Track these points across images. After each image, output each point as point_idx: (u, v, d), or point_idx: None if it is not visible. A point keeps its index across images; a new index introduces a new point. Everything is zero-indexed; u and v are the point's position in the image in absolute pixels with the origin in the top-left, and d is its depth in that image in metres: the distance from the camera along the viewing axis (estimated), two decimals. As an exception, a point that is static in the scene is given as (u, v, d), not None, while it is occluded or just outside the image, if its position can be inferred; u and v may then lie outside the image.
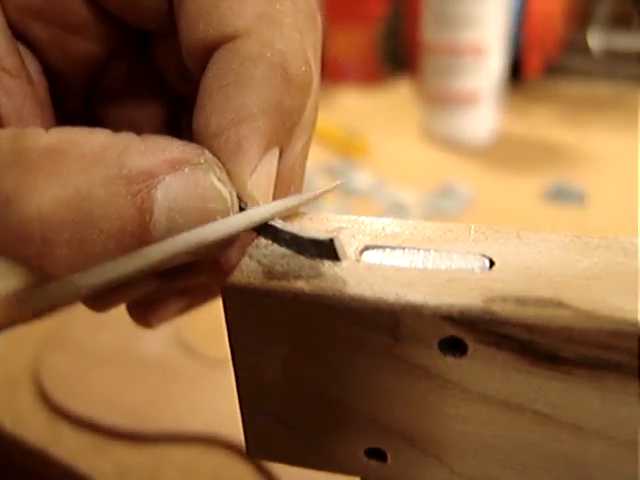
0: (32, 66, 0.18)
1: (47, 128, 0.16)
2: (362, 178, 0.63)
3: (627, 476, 0.15)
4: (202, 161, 0.15)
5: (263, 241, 0.17)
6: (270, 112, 0.16)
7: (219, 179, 0.16)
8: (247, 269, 0.16)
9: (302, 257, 0.16)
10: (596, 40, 0.87)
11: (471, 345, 0.14)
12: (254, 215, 0.16)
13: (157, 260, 0.14)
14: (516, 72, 0.80)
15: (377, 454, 0.17)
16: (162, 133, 0.21)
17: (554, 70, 0.85)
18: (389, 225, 0.17)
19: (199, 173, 0.15)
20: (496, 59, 0.67)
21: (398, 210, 0.56)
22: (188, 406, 0.36)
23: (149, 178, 0.14)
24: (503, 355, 0.14)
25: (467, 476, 0.17)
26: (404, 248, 0.16)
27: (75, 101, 0.21)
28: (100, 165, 0.14)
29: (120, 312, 0.22)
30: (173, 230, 0.15)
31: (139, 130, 0.22)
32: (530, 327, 0.14)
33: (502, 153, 0.67)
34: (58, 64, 0.19)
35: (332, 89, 0.89)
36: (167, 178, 0.15)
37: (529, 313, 0.14)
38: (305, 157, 0.20)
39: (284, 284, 0.15)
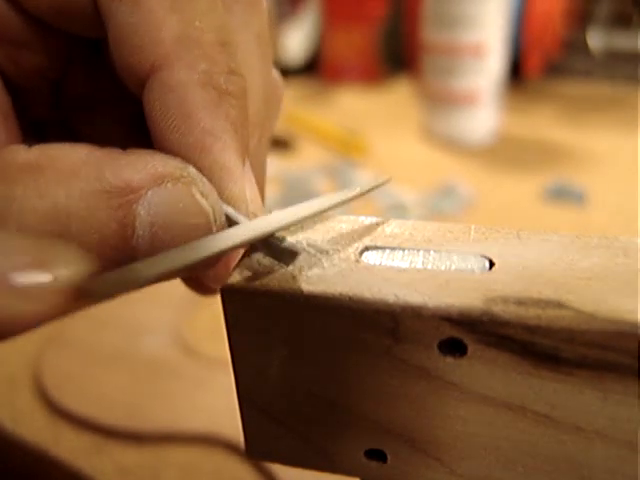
0: None
1: (12, 140, 0.16)
2: (362, 178, 0.63)
3: (628, 477, 0.15)
4: (185, 175, 0.15)
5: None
6: (227, 128, 0.16)
7: (202, 193, 0.16)
8: (247, 270, 0.16)
9: (302, 258, 0.16)
10: (596, 40, 0.87)
11: (471, 346, 0.14)
12: (257, 228, 0.16)
13: (217, 251, 0.15)
14: (516, 72, 0.80)
15: (377, 455, 0.17)
16: (132, 134, 0.21)
17: (554, 70, 0.85)
18: (389, 225, 0.17)
19: (181, 187, 0.15)
20: (496, 59, 0.67)
21: (398, 210, 0.56)
22: (188, 406, 0.36)
23: (130, 192, 0.15)
24: (503, 356, 0.14)
25: (467, 477, 0.17)
26: (404, 249, 0.16)
27: (42, 110, 0.21)
28: (79, 179, 0.14)
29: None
30: (156, 244, 0.15)
31: (109, 130, 0.21)
32: (530, 328, 0.14)
33: (502, 153, 0.67)
34: (16, 78, 0.19)
35: (332, 89, 0.89)
36: (149, 193, 0.15)
37: (529, 314, 0.14)
38: (262, 153, 0.20)
39: (284, 285, 0.15)
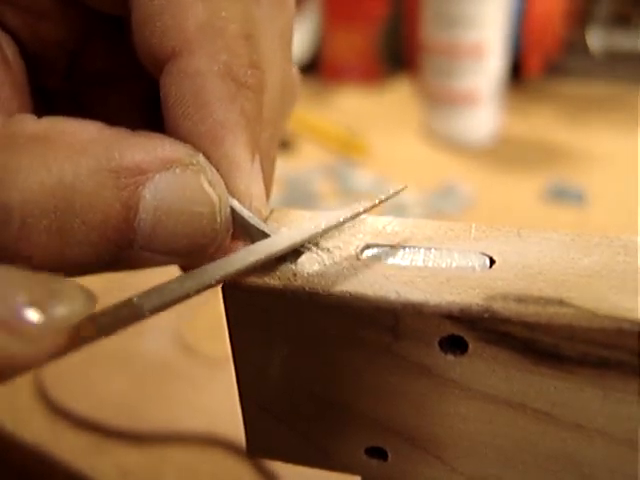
0: (9, 49, 0.18)
1: (25, 110, 0.16)
2: (362, 178, 0.63)
3: (627, 475, 0.15)
4: (194, 162, 0.15)
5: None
6: (240, 122, 0.16)
7: (209, 182, 0.15)
8: (247, 268, 0.16)
9: (303, 255, 0.16)
10: (596, 40, 0.87)
11: (472, 343, 0.14)
12: (271, 249, 0.16)
13: (219, 278, 0.14)
14: (516, 72, 0.80)
15: (378, 453, 0.17)
16: (143, 116, 0.21)
17: (554, 70, 0.85)
18: (390, 224, 0.17)
19: (189, 174, 0.15)
20: (496, 59, 0.67)
21: (398, 210, 0.56)
22: (188, 406, 0.36)
23: (138, 174, 0.14)
24: (504, 353, 0.14)
25: (468, 475, 0.17)
26: (405, 247, 0.16)
27: (56, 81, 0.21)
28: (88, 156, 0.14)
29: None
30: (158, 230, 0.15)
31: (119, 109, 0.21)
32: (531, 325, 0.14)
33: (502, 153, 0.67)
34: (33, 47, 0.19)
35: (332, 89, 0.89)
36: (157, 176, 0.15)
37: (530, 311, 0.14)
38: (273, 149, 0.20)
39: (285, 283, 0.15)
